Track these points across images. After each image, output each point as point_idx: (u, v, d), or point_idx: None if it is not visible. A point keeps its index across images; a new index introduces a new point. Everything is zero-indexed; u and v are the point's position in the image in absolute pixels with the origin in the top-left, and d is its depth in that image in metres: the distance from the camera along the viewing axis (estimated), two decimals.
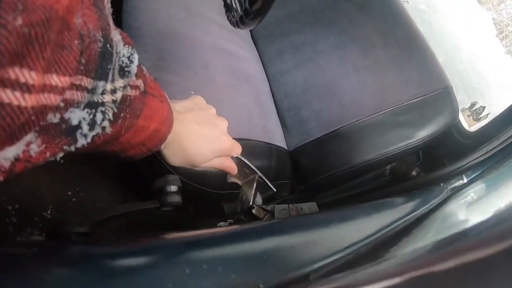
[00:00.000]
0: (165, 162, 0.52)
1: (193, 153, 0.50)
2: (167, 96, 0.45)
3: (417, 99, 0.88)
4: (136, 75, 0.33)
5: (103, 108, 0.29)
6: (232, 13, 0.56)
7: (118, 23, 0.84)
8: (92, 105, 0.27)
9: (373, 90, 0.91)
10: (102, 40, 0.26)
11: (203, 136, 0.51)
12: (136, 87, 0.34)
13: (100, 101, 0.28)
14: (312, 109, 0.94)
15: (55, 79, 0.22)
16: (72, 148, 0.28)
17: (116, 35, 0.29)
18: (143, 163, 0.50)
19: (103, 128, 0.30)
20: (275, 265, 0.23)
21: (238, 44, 0.98)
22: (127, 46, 0.31)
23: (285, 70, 1.01)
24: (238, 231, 0.34)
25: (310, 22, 1.03)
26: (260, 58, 1.06)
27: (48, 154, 0.25)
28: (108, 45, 0.27)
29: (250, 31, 1.11)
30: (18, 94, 0.20)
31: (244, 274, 0.24)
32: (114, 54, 0.29)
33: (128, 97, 0.32)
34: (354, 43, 0.98)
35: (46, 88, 0.22)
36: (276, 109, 1.00)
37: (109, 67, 0.28)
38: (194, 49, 0.85)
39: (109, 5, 0.30)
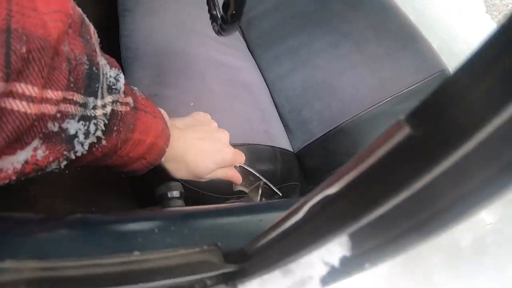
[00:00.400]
0: (171, 176, 0.54)
1: (195, 166, 0.53)
2: (163, 112, 0.49)
3: (414, 86, 0.87)
4: (124, 92, 0.38)
5: (95, 121, 0.33)
6: (217, 22, 0.59)
7: (117, 46, 0.88)
8: (85, 118, 0.32)
9: (371, 83, 0.92)
10: (87, 63, 0.32)
11: (204, 149, 0.53)
12: (126, 104, 0.38)
13: (92, 115, 0.33)
14: (313, 108, 0.95)
15: (50, 93, 0.28)
16: (72, 155, 0.33)
17: (102, 60, 0.35)
18: (154, 176, 0.52)
19: (98, 138, 0.35)
20: (240, 233, 0.25)
21: (234, 55, 1.01)
22: (114, 68, 0.37)
23: (283, 74, 1.03)
24: (211, 209, 0.37)
25: (303, 25, 1.05)
26: (257, 66, 1.08)
27: (51, 158, 0.31)
28: (94, 68, 0.33)
29: (246, 41, 1.14)
30: (24, 103, 0.26)
31: (207, 236, 0.27)
32: (101, 75, 0.34)
33: (119, 112, 0.37)
34: (348, 40, 0.99)
35: (44, 100, 0.27)
36: (278, 113, 1.01)
37: (97, 85, 0.33)
38: (191, 63, 0.88)
39: (96, 35, 0.35)
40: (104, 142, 0.36)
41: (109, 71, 0.36)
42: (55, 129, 0.30)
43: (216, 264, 0.24)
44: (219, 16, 0.61)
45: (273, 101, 1.03)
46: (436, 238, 0.17)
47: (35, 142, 0.29)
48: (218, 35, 0.61)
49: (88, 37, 0.33)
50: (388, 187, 0.15)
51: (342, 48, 0.98)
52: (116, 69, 0.37)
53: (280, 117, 1.00)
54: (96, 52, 0.33)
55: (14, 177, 0.28)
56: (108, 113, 0.35)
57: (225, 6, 0.51)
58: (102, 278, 0.22)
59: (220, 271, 0.24)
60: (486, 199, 0.14)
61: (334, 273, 0.21)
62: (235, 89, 0.90)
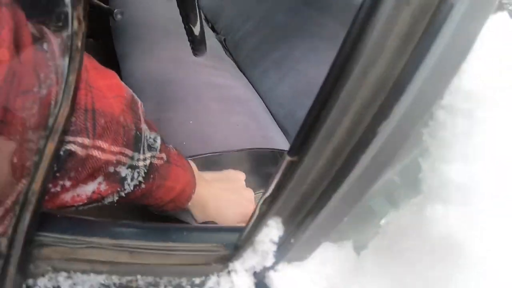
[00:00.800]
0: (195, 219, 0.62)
1: (217, 213, 0.60)
2: (193, 164, 0.60)
3: None
4: (160, 150, 0.49)
5: (138, 169, 0.45)
6: (190, 45, 0.70)
7: None
8: (132, 167, 0.44)
9: None
10: (134, 129, 0.44)
11: (227, 199, 0.62)
12: (160, 158, 0.49)
13: (137, 165, 0.45)
14: (305, 110, 1.03)
15: (113, 148, 0.41)
16: (122, 193, 0.45)
17: (144, 126, 0.47)
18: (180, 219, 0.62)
19: (139, 182, 0.46)
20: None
21: (226, 77, 1.09)
22: (153, 132, 0.49)
23: (273, 85, 1.11)
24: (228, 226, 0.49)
25: (281, 37, 1.14)
26: (250, 83, 1.17)
27: (109, 191, 0.44)
28: (138, 132, 0.45)
29: (236, 63, 1.24)
30: (99, 152, 0.39)
31: (214, 239, 0.38)
32: (143, 137, 0.46)
33: (156, 165, 0.48)
34: (324, 42, 1.07)
35: (109, 152, 0.41)
36: (276, 121, 1.07)
37: (140, 144, 0.45)
38: (187, 89, 0.97)
39: (142, 107, 0.48)
40: (143, 186, 0.47)
41: (149, 134, 0.48)
42: (113, 171, 0.42)
43: (218, 250, 0.36)
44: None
45: (269, 110, 1.10)
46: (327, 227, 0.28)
47: (100, 178, 0.42)
48: (194, 55, 0.73)
49: (136, 108, 0.46)
50: (289, 192, 0.26)
51: (321, 51, 1.06)
52: (155, 132, 0.49)
53: (277, 123, 1.06)
54: (140, 120, 0.46)
55: (86, 201, 0.42)
56: (147, 164, 0.46)
57: (189, 32, 0.63)
58: (148, 250, 0.36)
59: (218, 253, 0.36)
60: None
61: (279, 249, 0.33)
62: (230, 105, 0.98)
